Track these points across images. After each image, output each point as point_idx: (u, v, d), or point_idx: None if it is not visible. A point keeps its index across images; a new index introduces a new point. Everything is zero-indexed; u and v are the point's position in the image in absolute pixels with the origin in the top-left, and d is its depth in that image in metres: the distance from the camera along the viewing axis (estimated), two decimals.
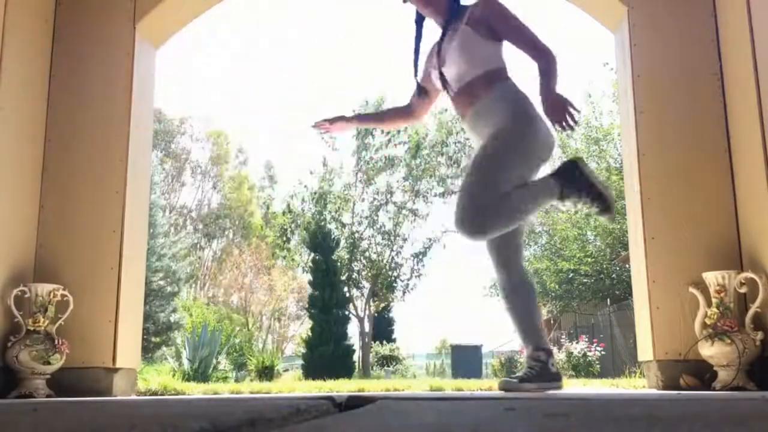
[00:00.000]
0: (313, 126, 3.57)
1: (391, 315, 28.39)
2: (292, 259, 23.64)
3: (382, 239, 22.66)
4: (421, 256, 22.88)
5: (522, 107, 3.18)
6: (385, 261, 22.51)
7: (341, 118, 3.58)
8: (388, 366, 21.11)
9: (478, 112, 3.21)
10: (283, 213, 23.45)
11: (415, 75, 3.44)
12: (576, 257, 19.06)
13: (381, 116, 3.80)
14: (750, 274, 3.81)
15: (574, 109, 3.09)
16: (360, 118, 3.47)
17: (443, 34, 3.34)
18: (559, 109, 3.06)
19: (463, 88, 3.25)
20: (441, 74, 3.30)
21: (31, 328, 4.02)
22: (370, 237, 22.80)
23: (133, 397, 4.43)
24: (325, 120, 3.57)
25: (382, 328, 26.18)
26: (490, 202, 3.04)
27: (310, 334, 17.86)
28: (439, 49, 3.33)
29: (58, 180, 4.44)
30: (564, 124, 3.06)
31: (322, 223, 21.37)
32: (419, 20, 3.47)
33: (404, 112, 3.61)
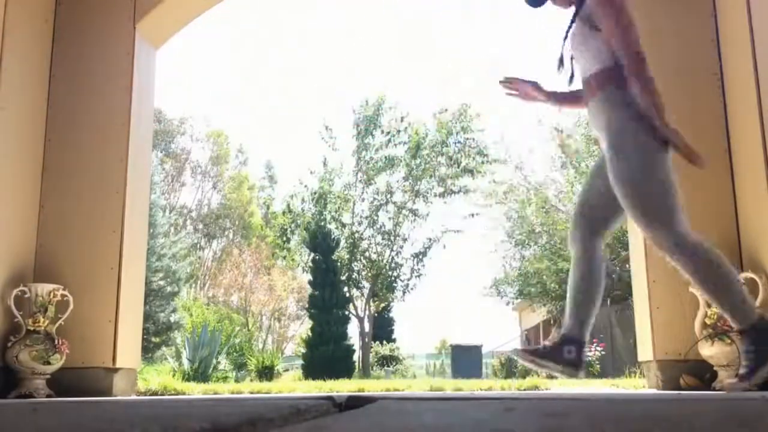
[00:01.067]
0: (501, 81, 3.30)
1: (391, 315, 28.39)
2: (292, 259, 23.64)
3: (382, 239, 22.65)
4: (421, 256, 22.87)
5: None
6: (385, 261, 22.51)
7: (534, 85, 3.31)
8: (388, 366, 21.10)
9: (590, 110, 3.10)
10: (283, 213, 23.44)
11: (561, 63, 3.24)
12: None
13: (562, 98, 3.47)
14: (750, 274, 3.81)
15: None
16: (549, 95, 3.30)
17: (570, 22, 3.18)
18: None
19: (584, 82, 3.12)
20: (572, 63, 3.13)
21: (31, 328, 4.02)
22: (370, 237, 22.80)
23: (133, 397, 4.43)
24: (517, 79, 3.31)
25: (382, 328, 26.17)
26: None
27: (310, 334, 17.86)
28: (565, 37, 3.17)
29: (58, 180, 4.45)
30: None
31: (322, 223, 21.37)
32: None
33: (575, 98, 3.39)
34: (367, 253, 22.58)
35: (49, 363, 3.99)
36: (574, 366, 2.98)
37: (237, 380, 11.90)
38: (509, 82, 3.26)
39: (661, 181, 2.91)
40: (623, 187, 2.90)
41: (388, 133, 22.66)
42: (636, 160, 2.88)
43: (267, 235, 28.58)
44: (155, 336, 17.30)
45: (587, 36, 3.04)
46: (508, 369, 18.10)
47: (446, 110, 22.64)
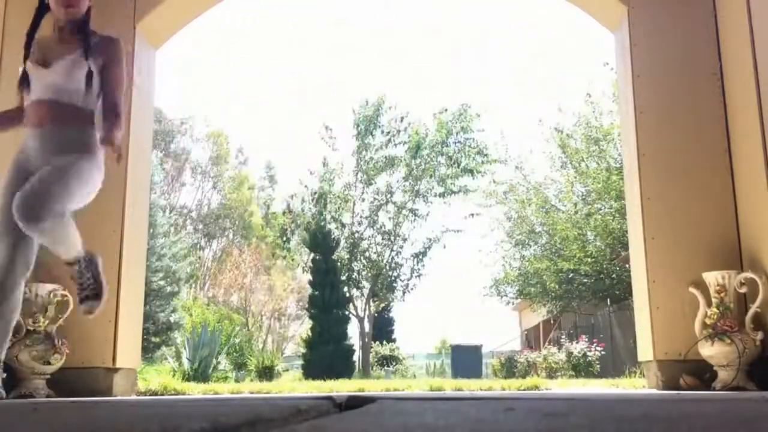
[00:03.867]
0: None
1: (391, 315, 28.40)
2: (292, 259, 23.64)
3: (382, 239, 22.66)
4: (421, 256, 22.87)
5: None
6: (385, 261, 22.51)
7: None
8: (388, 366, 21.11)
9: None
10: (283, 213, 23.45)
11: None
12: (576, 257, 19.05)
13: None
14: (750, 274, 3.81)
15: None
16: None
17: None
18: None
19: None
20: None
21: (31, 328, 4.02)
22: (370, 237, 22.80)
23: (133, 397, 4.42)
24: None
25: (382, 328, 26.19)
26: None
27: (310, 334, 17.86)
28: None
29: None
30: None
31: (322, 223, 21.37)
32: None
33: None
34: (367, 253, 22.58)
35: (49, 363, 3.99)
36: None
37: (237, 380, 11.90)
38: None
39: None
40: None
41: (388, 133, 22.66)
42: None
43: (267, 235, 28.58)
44: (155, 336, 17.30)
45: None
46: (508, 369, 18.10)
47: (446, 110, 22.64)
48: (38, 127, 3.13)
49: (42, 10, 3.30)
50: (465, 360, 18.15)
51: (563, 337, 17.33)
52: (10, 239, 2.98)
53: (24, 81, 3.25)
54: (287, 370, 18.60)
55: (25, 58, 3.25)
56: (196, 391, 5.49)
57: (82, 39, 3.21)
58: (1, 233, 3.00)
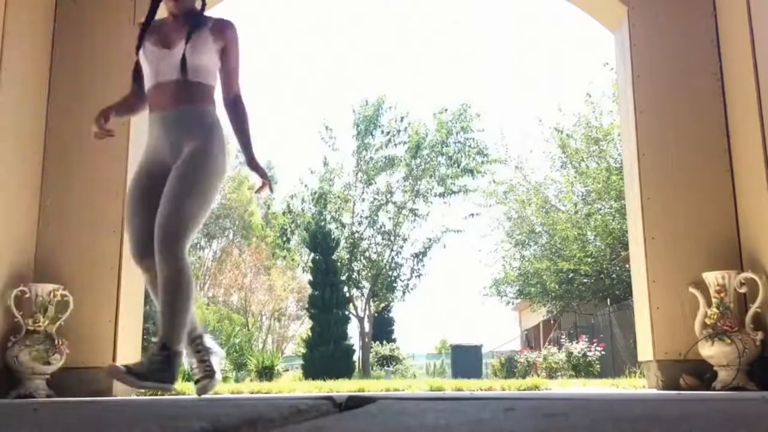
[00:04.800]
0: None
1: (391, 315, 28.38)
2: (292, 259, 23.64)
3: (382, 239, 22.65)
4: (421, 256, 22.87)
5: None
6: (385, 261, 22.51)
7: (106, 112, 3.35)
8: (388, 366, 21.11)
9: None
10: (283, 213, 23.44)
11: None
12: (576, 257, 19.05)
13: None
14: (750, 274, 3.81)
15: None
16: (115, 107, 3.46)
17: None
18: None
19: None
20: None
21: (31, 328, 4.02)
22: (370, 237, 22.80)
23: (133, 397, 4.43)
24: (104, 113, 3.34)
25: (382, 328, 26.18)
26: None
27: (310, 334, 17.86)
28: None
29: (58, 180, 4.44)
30: None
31: (322, 223, 21.37)
32: None
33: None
34: (367, 253, 22.58)
35: (49, 363, 3.99)
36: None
37: (237, 380, 11.89)
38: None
39: None
40: None
41: (388, 133, 22.66)
42: None
43: (267, 235, 28.56)
44: (155, 336, 17.28)
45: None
46: (508, 369, 18.10)
47: (446, 110, 22.64)
48: (165, 108, 3.12)
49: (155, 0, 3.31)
50: (465, 360, 18.15)
51: (563, 337, 17.33)
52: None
53: (137, 72, 3.26)
54: (287, 370, 18.59)
55: (138, 47, 3.23)
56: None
57: (199, 20, 3.20)
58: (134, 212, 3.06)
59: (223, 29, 3.24)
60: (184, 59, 3.08)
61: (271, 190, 3.24)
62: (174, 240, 2.86)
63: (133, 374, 2.78)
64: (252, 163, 3.22)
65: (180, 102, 3.11)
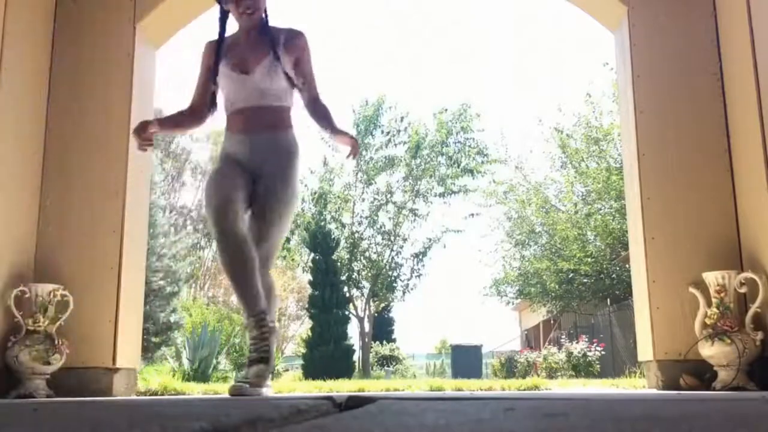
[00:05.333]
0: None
1: (391, 315, 28.37)
2: (292, 259, 23.63)
3: (382, 239, 22.65)
4: (421, 256, 22.87)
5: None
6: (385, 261, 22.50)
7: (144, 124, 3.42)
8: (388, 366, 21.11)
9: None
10: None
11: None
12: (576, 257, 19.05)
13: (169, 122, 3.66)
14: (750, 274, 3.81)
15: None
16: (159, 122, 3.54)
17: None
18: None
19: None
20: None
21: (31, 328, 4.02)
22: (370, 237, 22.80)
23: (133, 397, 4.43)
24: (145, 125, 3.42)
25: (382, 328, 26.17)
26: None
27: (310, 334, 17.86)
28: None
29: (58, 180, 4.44)
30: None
31: (322, 223, 21.37)
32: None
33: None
34: (367, 253, 22.57)
35: (49, 363, 3.99)
36: None
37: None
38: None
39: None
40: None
41: (388, 133, 22.66)
42: None
43: None
44: (155, 336, 17.28)
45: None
46: (508, 369, 18.10)
47: (446, 110, 22.63)
48: (245, 133, 3.25)
49: (224, 15, 3.35)
50: (465, 360, 18.16)
51: (563, 337, 17.34)
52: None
53: (212, 94, 3.35)
54: (287, 370, 18.60)
55: (216, 63, 3.30)
56: (196, 391, 5.49)
57: (270, 38, 3.28)
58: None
59: (295, 41, 3.33)
60: (261, 86, 3.20)
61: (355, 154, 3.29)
62: (272, 262, 3.35)
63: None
64: (336, 130, 3.33)
65: (261, 127, 3.24)
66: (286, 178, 3.23)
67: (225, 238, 3.06)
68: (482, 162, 22.35)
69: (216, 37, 3.37)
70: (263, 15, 3.33)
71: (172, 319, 18.02)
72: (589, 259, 19.05)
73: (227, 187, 3.12)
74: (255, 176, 3.22)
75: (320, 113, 3.35)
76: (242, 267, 3.07)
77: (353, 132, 20.25)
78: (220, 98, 3.38)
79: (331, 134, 3.37)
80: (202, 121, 3.40)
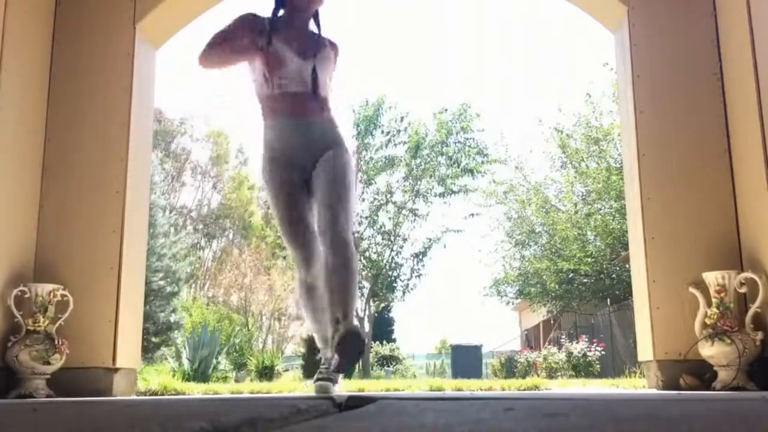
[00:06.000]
0: None
1: (391, 315, 28.40)
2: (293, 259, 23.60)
3: (382, 239, 22.64)
4: (421, 256, 22.86)
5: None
6: (385, 261, 22.49)
7: None
8: (388, 366, 21.11)
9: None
10: None
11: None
12: (576, 257, 19.05)
13: None
14: (750, 274, 3.81)
15: None
16: None
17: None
18: None
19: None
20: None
21: (31, 328, 4.02)
22: (370, 237, 22.79)
23: (133, 397, 4.43)
24: None
25: (382, 328, 26.19)
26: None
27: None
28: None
29: (58, 180, 4.44)
30: None
31: None
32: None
33: None
34: (367, 253, 22.56)
35: (49, 363, 3.99)
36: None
37: (237, 380, 11.89)
38: None
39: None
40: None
41: (388, 133, 22.64)
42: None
43: (267, 235, 28.55)
44: (155, 336, 17.27)
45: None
46: (508, 369, 18.09)
47: (446, 110, 22.63)
48: (300, 118, 3.28)
49: (280, 3, 3.38)
50: (465, 360, 18.14)
51: (563, 337, 17.32)
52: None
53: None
54: (287, 370, 18.58)
55: (270, 32, 3.24)
56: (196, 391, 5.49)
57: (320, 35, 3.39)
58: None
59: (336, 49, 3.47)
60: (316, 73, 3.26)
61: None
62: (349, 230, 3.20)
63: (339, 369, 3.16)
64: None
65: (315, 114, 3.30)
66: (346, 153, 3.31)
67: (306, 264, 3.26)
68: (482, 162, 22.33)
69: (260, 13, 3.32)
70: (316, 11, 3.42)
71: (172, 319, 18.01)
72: (589, 259, 19.05)
73: (300, 209, 3.27)
74: (310, 163, 3.29)
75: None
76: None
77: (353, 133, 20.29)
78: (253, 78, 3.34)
79: None
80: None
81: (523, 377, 12.68)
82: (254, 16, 3.32)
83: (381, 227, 22.62)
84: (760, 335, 3.72)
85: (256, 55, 3.23)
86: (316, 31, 3.40)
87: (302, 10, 3.35)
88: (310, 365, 16.36)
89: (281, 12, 3.38)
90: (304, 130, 3.28)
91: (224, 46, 3.23)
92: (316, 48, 3.31)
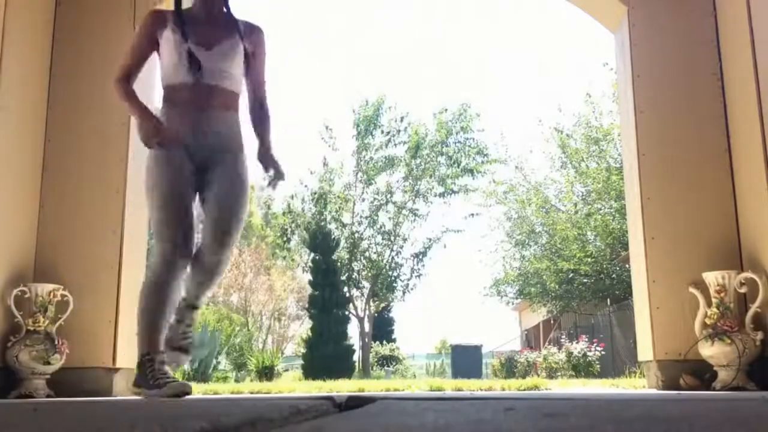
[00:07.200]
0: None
1: (391, 315, 28.38)
2: (292, 259, 23.63)
3: (382, 239, 22.65)
4: (421, 256, 22.88)
5: None
6: (385, 261, 22.50)
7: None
8: (388, 366, 21.11)
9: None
10: (283, 213, 23.43)
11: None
12: (576, 257, 19.06)
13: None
14: (750, 274, 3.81)
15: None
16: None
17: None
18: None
19: None
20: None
21: (31, 328, 4.02)
22: (370, 237, 22.79)
23: (133, 397, 4.43)
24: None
25: (382, 328, 26.18)
26: None
27: (310, 334, 17.86)
28: None
29: (58, 180, 4.44)
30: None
31: (322, 223, 21.38)
32: None
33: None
34: (367, 253, 22.57)
35: (49, 363, 3.99)
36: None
37: (237, 380, 11.90)
38: None
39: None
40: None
41: (388, 133, 22.65)
42: None
43: (267, 235, 28.55)
44: None
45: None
46: (508, 369, 18.09)
47: (446, 110, 22.64)
48: (199, 111, 3.12)
49: None
50: (465, 360, 18.14)
51: (563, 337, 17.33)
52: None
53: (193, 61, 3.11)
54: (287, 370, 18.60)
55: (182, 34, 3.13)
56: (196, 391, 5.49)
57: (233, 21, 3.22)
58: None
59: (256, 34, 3.28)
60: (220, 65, 3.11)
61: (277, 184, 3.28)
62: (236, 238, 3.15)
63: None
64: (269, 154, 3.26)
65: (216, 108, 3.12)
66: (242, 160, 3.17)
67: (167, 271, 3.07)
68: (482, 162, 22.35)
69: (164, 7, 3.31)
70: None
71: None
72: (589, 259, 19.05)
73: (185, 212, 3.08)
74: (204, 158, 3.11)
75: (261, 118, 3.31)
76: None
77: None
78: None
79: (260, 151, 3.27)
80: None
81: (523, 377, 12.68)
82: (157, 12, 3.28)
83: (381, 227, 22.63)
84: (760, 335, 3.72)
85: (155, 48, 3.19)
86: (234, 19, 3.23)
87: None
88: (311, 365, 16.36)
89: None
90: (202, 125, 3.10)
91: (136, 59, 3.23)
92: (224, 36, 3.15)
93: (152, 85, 4.22)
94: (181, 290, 3.16)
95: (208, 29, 3.17)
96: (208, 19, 3.20)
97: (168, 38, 3.14)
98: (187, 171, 3.09)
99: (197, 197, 3.16)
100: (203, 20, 3.19)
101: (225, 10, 3.26)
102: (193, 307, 3.20)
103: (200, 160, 3.12)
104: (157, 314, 3.10)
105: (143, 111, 3.17)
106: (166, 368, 3.14)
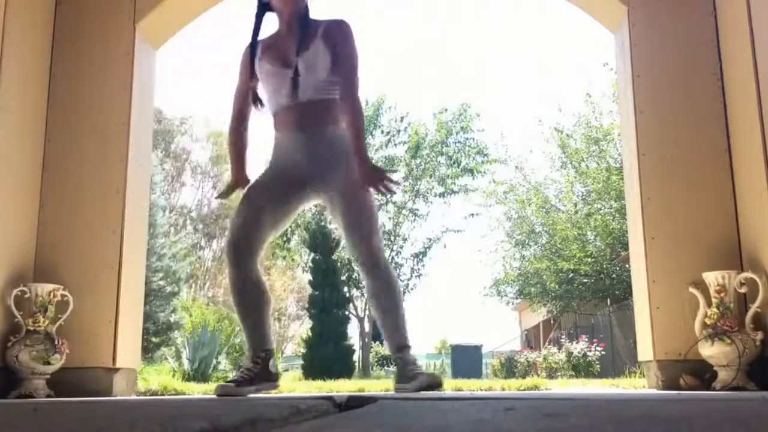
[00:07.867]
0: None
1: None
2: (292, 259, 23.63)
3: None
4: (421, 256, 22.88)
5: None
6: None
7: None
8: (388, 366, 21.10)
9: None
10: None
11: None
12: (576, 257, 19.06)
13: None
14: (750, 274, 3.81)
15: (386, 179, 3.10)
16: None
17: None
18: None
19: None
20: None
21: (31, 328, 4.02)
22: None
23: (133, 397, 4.43)
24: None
25: None
26: None
27: (310, 334, 17.86)
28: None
29: (58, 180, 4.44)
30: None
31: (322, 223, 21.37)
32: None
33: None
34: None
35: (49, 363, 3.99)
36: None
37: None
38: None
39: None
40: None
41: (388, 133, 22.65)
42: None
43: None
44: (155, 336, 17.29)
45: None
46: (508, 369, 18.09)
47: (446, 110, 22.64)
48: (297, 131, 3.10)
49: (262, 10, 3.26)
50: (465, 360, 18.14)
51: (563, 337, 17.33)
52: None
53: (256, 99, 3.20)
54: (287, 370, 18.60)
55: (252, 65, 3.18)
56: (196, 391, 5.49)
57: (315, 27, 3.15)
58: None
59: (332, 31, 3.17)
60: (306, 79, 3.05)
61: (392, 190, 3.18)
62: (380, 249, 3.16)
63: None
64: (359, 149, 3.08)
65: (313, 124, 3.09)
66: (350, 172, 3.07)
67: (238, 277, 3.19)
68: (482, 162, 22.35)
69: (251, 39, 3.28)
70: (305, 5, 3.21)
71: (172, 319, 18.02)
72: (589, 259, 19.06)
73: (250, 221, 3.21)
74: (308, 177, 3.12)
75: (354, 115, 3.11)
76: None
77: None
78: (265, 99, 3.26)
79: (360, 159, 3.08)
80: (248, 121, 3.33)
81: (523, 377, 12.68)
82: (247, 47, 3.30)
83: (381, 227, 22.60)
84: (760, 335, 3.72)
85: (257, 83, 3.23)
86: (311, 24, 3.18)
87: (279, 11, 3.21)
88: (311, 365, 16.36)
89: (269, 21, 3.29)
90: (304, 144, 3.09)
91: (241, 99, 3.30)
92: (303, 46, 3.08)
93: None
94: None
95: (289, 46, 3.15)
96: (289, 35, 3.17)
97: (260, 68, 3.17)
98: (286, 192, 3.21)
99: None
100: (286, 38, 3.19)
101: (305, 18, 3.20)
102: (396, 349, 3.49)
103: (311, 177, 3.13)
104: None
105: (233, 164, 3.34)
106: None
